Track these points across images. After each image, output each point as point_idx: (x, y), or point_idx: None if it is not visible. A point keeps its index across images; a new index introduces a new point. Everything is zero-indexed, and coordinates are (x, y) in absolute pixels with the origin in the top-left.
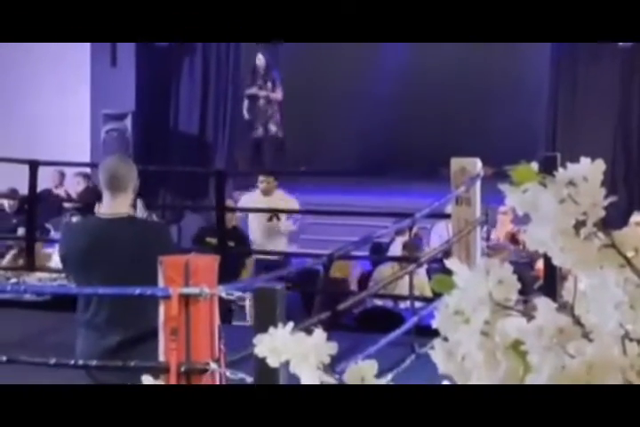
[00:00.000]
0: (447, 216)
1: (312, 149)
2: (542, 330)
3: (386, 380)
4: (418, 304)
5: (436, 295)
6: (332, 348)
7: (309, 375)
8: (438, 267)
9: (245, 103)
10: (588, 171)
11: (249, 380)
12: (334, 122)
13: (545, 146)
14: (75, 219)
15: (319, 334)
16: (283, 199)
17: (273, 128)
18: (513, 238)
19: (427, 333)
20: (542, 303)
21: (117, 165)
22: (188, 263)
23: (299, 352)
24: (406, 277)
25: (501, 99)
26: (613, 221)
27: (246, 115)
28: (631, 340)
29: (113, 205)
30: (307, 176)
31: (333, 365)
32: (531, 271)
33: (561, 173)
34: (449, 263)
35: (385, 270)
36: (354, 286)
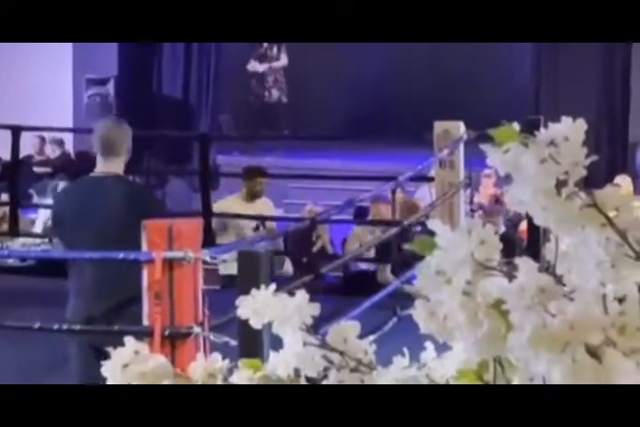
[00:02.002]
0: (431, 179)
1: (298, 113)
2: (524, 289)
3: (368, 341)
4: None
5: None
6: (315, 309)
7: (292, 337)
8: (422, 231)
9: (248, 70)
10: (569, 130)
11: (233, 343)
12: (323, 87)
13: (530, 110)
14: (62, 183)
15: (302, 295)
16: (268, 207)
17: (276, 93)
18: (497, 201)
19: (409, 295)
20: (524, 263)
21: (110, 129)
22: (171, 227)
23: (281, 313)
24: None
25: (488, 64)
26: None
27: (252, 82)
28: (612, 299)
29: (105, 167)
30: (290, 140)
31: (317, 328)
32: (515, 233)
33: (542, 132)
34: (430, 224)
35: (361, 234)
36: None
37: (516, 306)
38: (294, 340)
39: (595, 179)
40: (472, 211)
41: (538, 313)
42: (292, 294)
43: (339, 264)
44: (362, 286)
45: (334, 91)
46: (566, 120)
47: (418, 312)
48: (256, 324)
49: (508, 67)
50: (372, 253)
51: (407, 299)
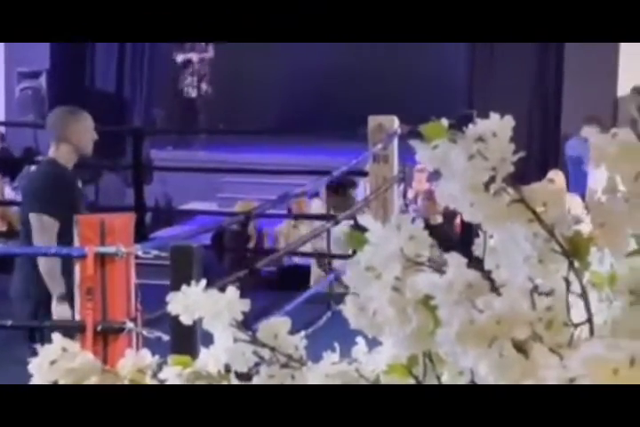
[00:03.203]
0: (365, 174)
1: (232, 107)
2: (452, 285)
3: (299, 337)
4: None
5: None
6: (245, 305)
7: (222, 332)
8: (355, 225)
9: (178, 62)
10: (497, 127)
11: (165, 338)
12: (256, 80)
13: (463, 105)
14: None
15: (232, 291)
16: None
17: (205, 87)
18: (430, 195)
19: (343, 289)
20: (453, 259)
21: (51, 115)
22: (103, 222)
23: (212, 309)
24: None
25: (422, 59)
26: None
27: (182, 75)
28: (539, 293)
29: (50, 152)
30: (224, 134)
31: (250, 323)
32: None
33: (470, 129)
34: (361, 220)
35: (285, 229)
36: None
37: (444, 302)
38: (225, 336)
39: (527, 173)
40: (406, 205)
41: (465, 309)
42: (224, 289)
43: (273, 259)
44: (296, 280)
45: (269, 84)
46: (494, 116)
47: (348, 308)
48: (186, 320)
49: (441, 61)
50: (307, 248)
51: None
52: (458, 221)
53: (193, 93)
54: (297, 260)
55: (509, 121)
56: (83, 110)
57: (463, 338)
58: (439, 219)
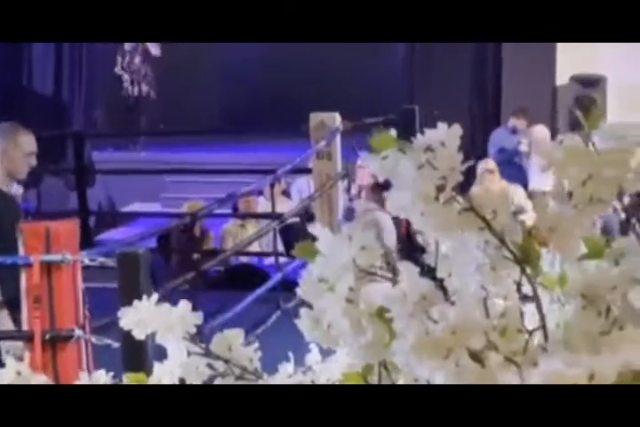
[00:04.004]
0: (309, 171)
1: (174, 107)
2: (406, 297)
3: (255, 348)
4: (282, 260)
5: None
6: (198, 318)
7: (176, 346)
8: (300, 223)
9: (119, 62)
10: (446, 136)
11: (115, 345)
12: (197, 80)
13: (404, 100)
14: None
15: (184, 304)
16: None
17: (145, 88)
18: (374, 190)
19: (292, 288)
20: (405, 268)
21: None
22: (48, 230)
23: (164, 323)
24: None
25: (362, 55)
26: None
27: (120, 73)
28: (493, 301)
29: None
30: (165, 135)
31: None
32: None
33: (419, 138)
34: (312, 229)
35: (233, 229)
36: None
37: (399, 314)
38: (178, 349)
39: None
40: (350, 200)
41: (420, 320)
42: (175, 289)
43: (222, 259)
44: (244, 279)
45: (209, 84)
46: (442, 126)
47: (302, 320)
48: (139, 334)
49: (382, 57)
50: (254, 247)
51: (290, 291)
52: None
53: (133, 94)
54: (244, 259)
55: (457, 130)
56: (25, 132)
57: (419, 350)
58: None
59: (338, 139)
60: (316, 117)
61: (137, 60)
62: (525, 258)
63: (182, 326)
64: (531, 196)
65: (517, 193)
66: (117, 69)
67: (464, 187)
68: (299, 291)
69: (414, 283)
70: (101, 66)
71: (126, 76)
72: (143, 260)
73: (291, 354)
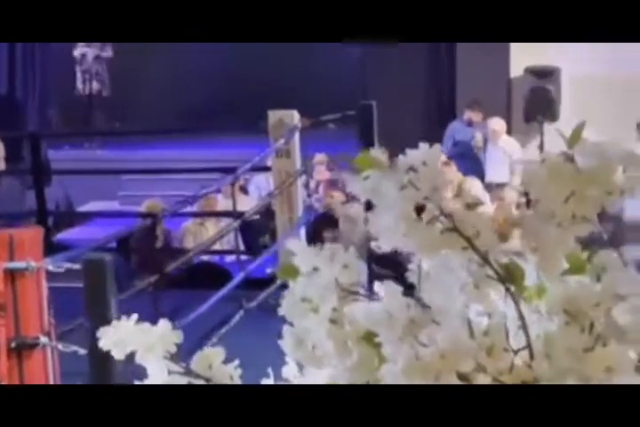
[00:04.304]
0: (268, 169)
1: (130, 105)
2: (394, 322)
3: (235, 366)
4: (243, 257)
5: (264, 247)
6: (178, 337)
7: (156, 366)
8: (260, 220)
9: (76, 61)
10: (427, 156)
11: (82, 352)
12: (153, 78)
13: (361, 96)
14: None
15: (164, 324)
16: None
17: (98, 86)
18: (331, 185)
19: (254, 286)
20: (388, 288)
21: None
22: (12, 237)
23: (144, 343)
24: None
25: (319, 52)
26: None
27: (77, 73)
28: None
29: None
30: (121, 135)
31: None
32: None
33: (401, 159)
34: (290, 245)
35: (192, 226)
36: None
37: (388, 338)
38: (159, 369)
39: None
40: (309, 195)
41: (410, 344)
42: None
43: (185, 260)
44: (204, 277)
45: (166, 82)
46: (423, 146)
47: (285, 340)
48: (118, 355)
49: (338, 54)
50: (215, 245)
51: (253, 290)
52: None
53: (87, 92)
54: (205, 257)
55: (438, 150)
56: None
57: (409, 374)
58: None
59: (296, 136)
60: (274, 115)
61: (90, 58)
62: (509, 277)
63: (162, 346)
64: (487, 188)
65: (474, 186)
66: (72, 66)
67: None
68: (280, 310)
69: (400, 305)
70: (55, 65)
71: (80, 75)
72: (109, 266)
73: (270, 370)
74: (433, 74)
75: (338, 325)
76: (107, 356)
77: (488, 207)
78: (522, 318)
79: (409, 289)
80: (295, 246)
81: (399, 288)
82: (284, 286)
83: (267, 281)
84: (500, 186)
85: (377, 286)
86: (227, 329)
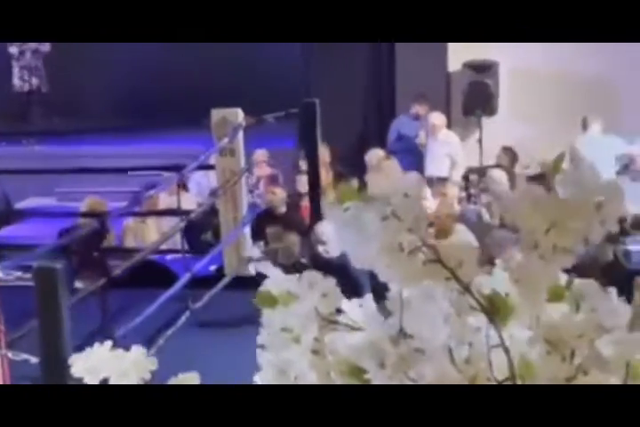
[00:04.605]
0: (212, 167)
1: (69, 100)
2: (383, 358)
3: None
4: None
5: (206, 245)
6: (153, 363)
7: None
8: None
9: (14, 57)
10: (408, 187)
11: (34, 360)
12: (93, 73)
13: (303, 94)
14: None
15: (138, 350)
16: None
17: (36, 82)
18: (272, 181)
19: (199, 284)
20: (369, 313)
21: None
22: None
23: (118, 369)
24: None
25: (261, 50)
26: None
27: (14, 69)
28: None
29: None
30: (61, 129)
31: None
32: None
33: (382, 190)
34: (261, 268)
35: (133, 224)
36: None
37: (377, 376)
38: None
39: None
40: (251, 191)
41: (399, 380)
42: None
43: (138, 259)
44: (147, 276)
45: (109, 77)
46: (405, 177)
47: (264, 372)
48: (91, 381)
49: (281, 52)
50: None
51: (198, 289)
52: (303, 205)
53: (27, 88)
54: (150, 256)
55: (420, 180)
56: None
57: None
58: (283, 208)
59: (240, 135)
60: (217, 114)
61: (29, 53)
62: (493, 310)
63: (136, 372)
64: (428, 183)
65: None
66: (8, 61)
67: (361, 174)
68: (258, 338)
69: (384, 338)
70: None
71: (18, 71)
72: (60, 274)
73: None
74: (373, 70)
75: (320, 355)
76: (60, 362)
77: (429, 203)
78: (505, 348)
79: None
80: (271, 273)
81: (381, 316)
82: (230, 286)
83: (211, 279)
84: (441, 180)
85: (346, 305)
86: (174, 330)
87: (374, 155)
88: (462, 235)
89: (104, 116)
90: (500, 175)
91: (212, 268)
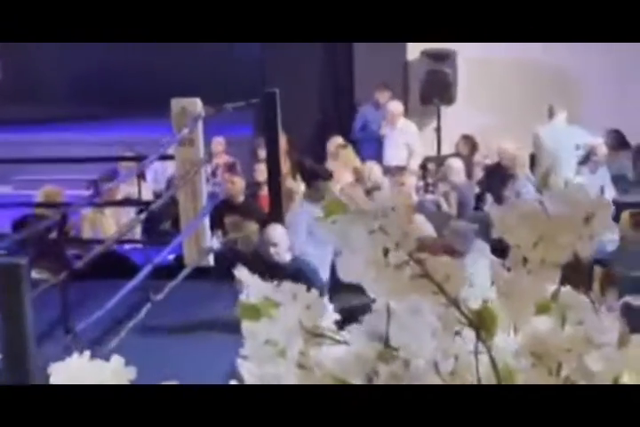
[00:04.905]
0: (171, 157)
1: (31, 88)
2: (370, 374)
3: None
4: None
5: (169, 235)
6: (132, 373)
7: None
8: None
9: None
10: (396, 201)
11: None
12: (56, 60)
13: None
14: None
15: (117, 360)
16: None
17: None
18: (231, 169)
19: (159, 274)
20: (355, 332)
21: None
22: None
23: (97, 379)
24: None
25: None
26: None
27: None
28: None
29: None
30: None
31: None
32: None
33: (370, 204)
34: (238, 273)
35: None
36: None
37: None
38: None
39: (325, 140)
40: (207, 180)
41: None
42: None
43: (100, 251)
44: (106, 266)
45: (67, 62)
46: (393, 189)
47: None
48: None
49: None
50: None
51: (158, 279)
52: (261, 194)
53: None
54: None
55: (408, 195)
56: None
57: None
58: (242, 197)
59: (200, 125)
60: (177, 103)
61: None
62: (481, 324)
63: (115, 381)
64: (385, 171)
65: (374, 170)
66: None
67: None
68: (242, 351)
69: (370, 351)
70: None
71: None
72: (25, 270)
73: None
74: (331, 59)
75: (307, 370)
76: (23, 358)
77: (386, 192)
78: (493, 363)
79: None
80: (249, 281)
81: (366, 333)
82: (190, 277)
83: (171, 269)
84: (399, 169)
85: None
86: (135, 322)
87: (333, 143)
88: (421, 225)
89: (62, 103)
90: (458, 165)
91: (171, 257)
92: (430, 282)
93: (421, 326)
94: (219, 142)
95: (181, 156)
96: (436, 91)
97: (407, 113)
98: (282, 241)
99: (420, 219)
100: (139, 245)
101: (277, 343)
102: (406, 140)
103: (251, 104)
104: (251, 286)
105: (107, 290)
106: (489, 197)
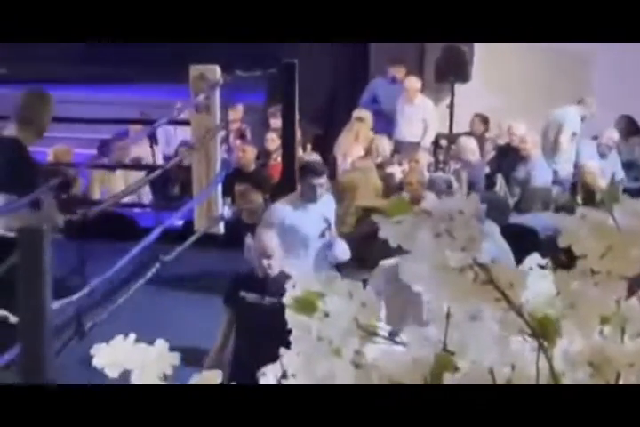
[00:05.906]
0: (187, 123)
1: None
2: (427, 377)
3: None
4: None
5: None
6: (175, 358)
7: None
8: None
9: None
10: (464, 204)
11: (12, 319)
12: None
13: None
14: None
15: (161, 344)
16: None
17: None
18: (242, 136)
19: (167, 238)
20: (411, 334)
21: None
22: None
23: (141, 363)
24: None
25: None
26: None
27: None
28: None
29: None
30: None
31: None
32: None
33: (436, 207)
34: (288, 270)
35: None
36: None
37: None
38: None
39: (337, 113)
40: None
41: None
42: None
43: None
44: (113, 227)
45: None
46: (460, 194)
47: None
48: (112, 373)
49: None
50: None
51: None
52: (273, 163)
53: None
54: (117, 209)
55: (476, 199)
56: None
57: None
58: (252, 166)
59: (217, 92)
60: (195, 70)
61: None
62: (543, 333)
63: (159, 366)
64: (398, 146)
65: (383, 144)
66: None
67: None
68: (293, 346)
69: (427, 353)
70: None
71: None
72: (46, 236)
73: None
74: None
75: (364, 370)
76: (41, 323)
77: (395, 167)
78: (554, 376)
79: None
80: (300, 274)
81: (427, 339)
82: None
83: (180, 233)
84: (413, 145)
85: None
86: (143, 281)
87: (359, 112)
88: (431, 203)
89: (78, 62)
90: (472, 144)
91: (180, 222)
92: (494, 289)
93: (481, 332)
94: (238, 110)
95: (197, 122)
96: (451, 68)
97: (423, 89)
98: (276, 252)
99: (431, 197)
100: (148, 210)
101: (332, 341)
102: (423, 116)
103: (269, 74)
104: (301, 280)
105: (116, 252)
106: (499, 178)
